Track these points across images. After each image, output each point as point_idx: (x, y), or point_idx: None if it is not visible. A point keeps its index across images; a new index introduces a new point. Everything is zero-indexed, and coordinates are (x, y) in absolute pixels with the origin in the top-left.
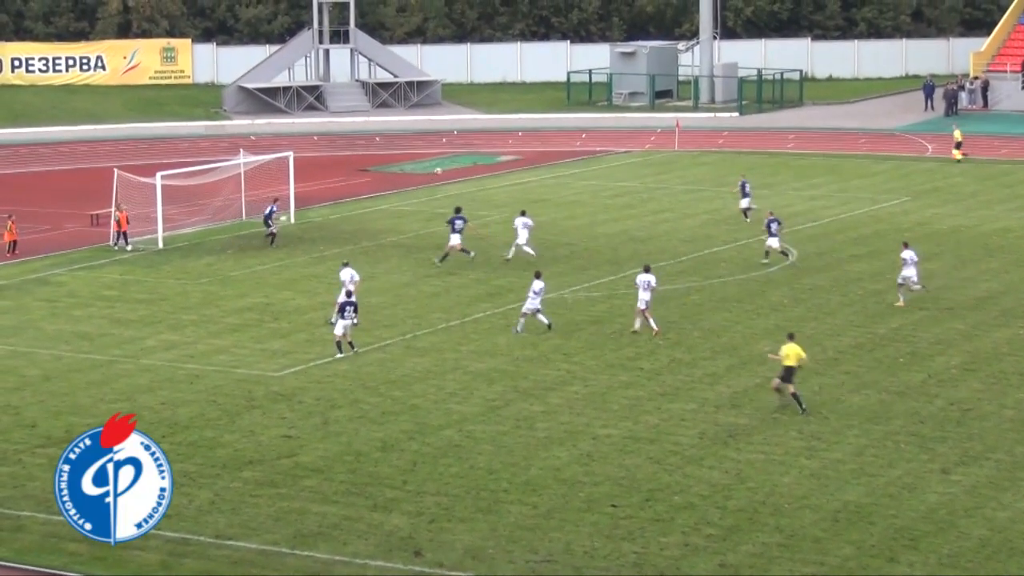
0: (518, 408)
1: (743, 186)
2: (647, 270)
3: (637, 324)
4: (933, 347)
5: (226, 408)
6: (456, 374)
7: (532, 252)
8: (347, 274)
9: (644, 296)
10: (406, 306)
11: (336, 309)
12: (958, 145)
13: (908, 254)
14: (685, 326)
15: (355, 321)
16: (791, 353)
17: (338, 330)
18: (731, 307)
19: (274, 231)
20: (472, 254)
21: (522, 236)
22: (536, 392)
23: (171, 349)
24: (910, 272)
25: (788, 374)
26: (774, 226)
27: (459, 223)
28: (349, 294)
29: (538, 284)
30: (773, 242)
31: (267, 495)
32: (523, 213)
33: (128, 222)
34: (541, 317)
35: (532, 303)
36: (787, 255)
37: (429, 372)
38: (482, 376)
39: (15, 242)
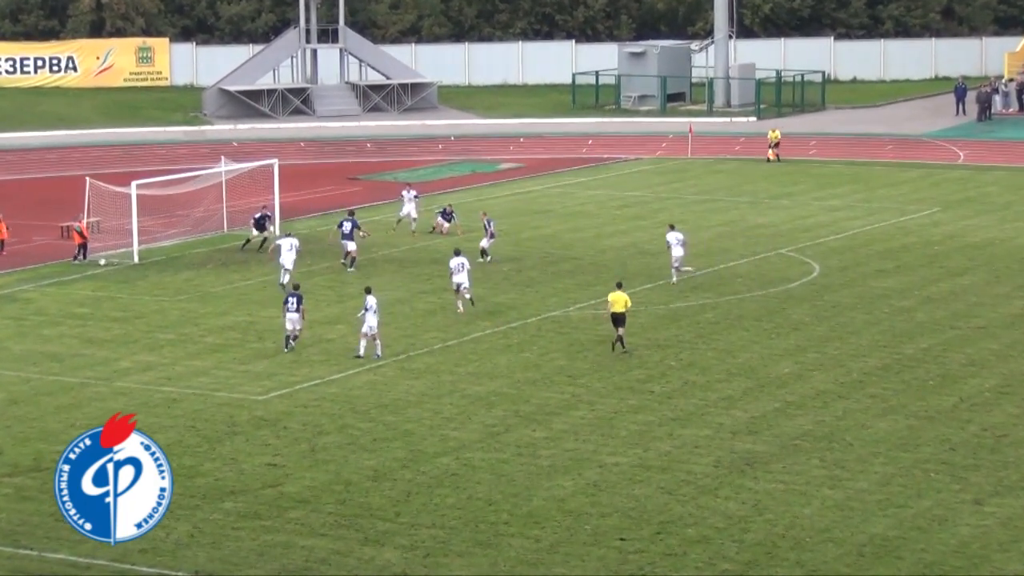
0: (519, 434)
1: (488, 224)
2: (457, 253)
3: (460, 306)
4: (965, 369)
5: (206, 434)
6: (453, 398)
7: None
8: (288, 243)
9: (458, 278)
10: (399, 324)
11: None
12: (774, 145)
13: (673, 236)
14: (699, 346)
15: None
16: (618, 300)
17: (288, 325)
18: (748, 325)
19: (266, 236)
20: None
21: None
22: (539, 417)
23: (147, 371)
24: (678, 253)
25: (617, 319)
26: (492, 226)
27: (347, 225)
28: (296, 287)
29: (371, 300)
30: (486, 242)
31: (250, 528)
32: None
33: (82, 236)
34: (376, 342)
35: (371, 320)
36: (485, 255)
37: (424, 395)
38: (481, 400)
39: (3, 241)
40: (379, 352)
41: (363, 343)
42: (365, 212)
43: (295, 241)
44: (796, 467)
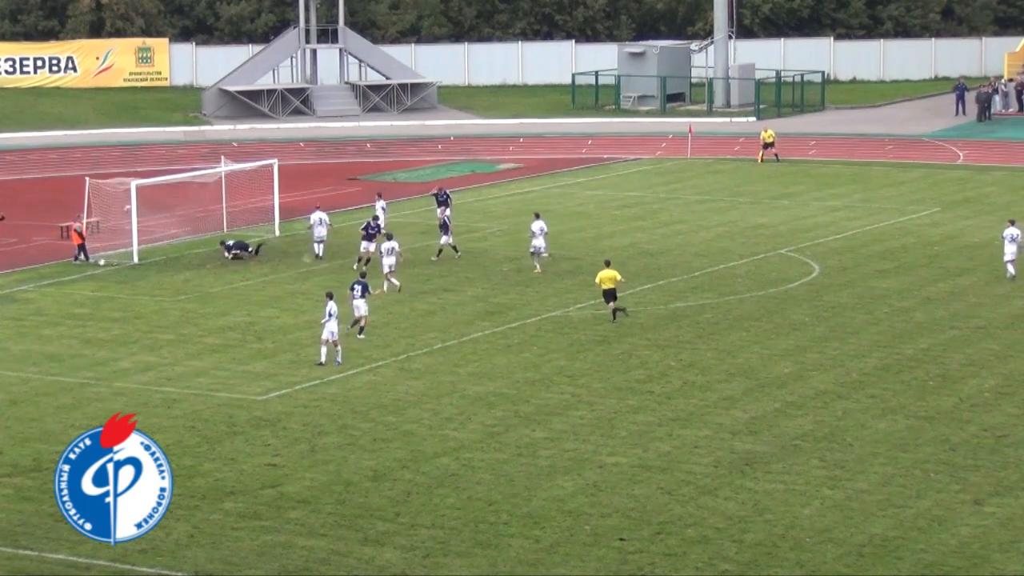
0: (519, 434)
1: (439, 195)
2: (390, 238)
3: (386, 287)
4: (965, 369)
5: (206, 434)
6: (453, 398)
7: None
8: (316, 218)
9: (388, 261)
10: (399, 325)
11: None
12: (767, 146)
13: (537, 225)
14: (699, 346)
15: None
16: (606, 277)
17: (355, 312)
18: (748, 326)
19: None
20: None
21: None
22: (539, 417)
23: (147, 371)
24: (539, 243)
25: (608, 295)
26: (449, 219)
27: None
28: (363, 275)
29: (332, 306)
30: (447, 239)
31: (250, 528)
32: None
33: (81, 236)
34: (338, 348)
35: (332, 326)
36: (456, 250)
37: (424, 396)
38: (481, 400)
39: None
40: (339, 359)
41: (324, 350)
42: (363, 213)
43: (324, 216)
44: (796, 467)
